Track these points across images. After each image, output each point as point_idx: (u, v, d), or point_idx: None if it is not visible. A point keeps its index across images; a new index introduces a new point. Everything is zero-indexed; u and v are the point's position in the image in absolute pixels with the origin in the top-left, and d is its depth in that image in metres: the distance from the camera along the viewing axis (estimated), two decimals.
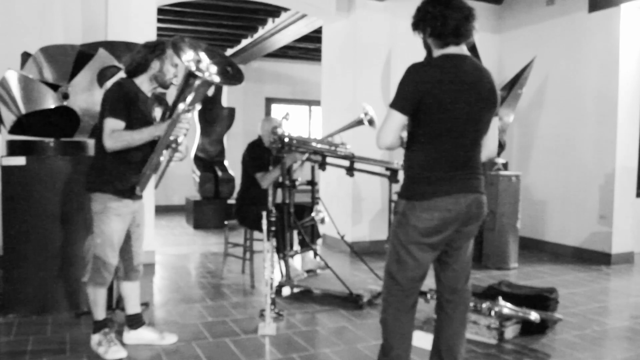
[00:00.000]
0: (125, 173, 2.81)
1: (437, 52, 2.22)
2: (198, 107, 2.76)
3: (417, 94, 2.10)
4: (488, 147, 2.31)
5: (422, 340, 2.96)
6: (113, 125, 2.70)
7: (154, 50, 2.84)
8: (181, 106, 2.70)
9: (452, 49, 2.18)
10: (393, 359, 2.27)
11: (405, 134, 2.27)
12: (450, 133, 2.14)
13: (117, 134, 2.70)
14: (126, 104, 2.75)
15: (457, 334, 2.34)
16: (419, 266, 2.22)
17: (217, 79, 2.74)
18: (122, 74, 2.94)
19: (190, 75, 2.68)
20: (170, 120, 2.72)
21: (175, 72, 2.92)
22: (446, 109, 2.11)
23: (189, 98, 2.69)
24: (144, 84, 2.88)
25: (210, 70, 2.68)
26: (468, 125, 2.16)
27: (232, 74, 2.83)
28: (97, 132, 2.87)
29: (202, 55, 2.73)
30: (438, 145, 2.16)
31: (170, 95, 3.07)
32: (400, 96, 2.13)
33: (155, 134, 2.75)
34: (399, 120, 2.14)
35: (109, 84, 3.81)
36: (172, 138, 2.74)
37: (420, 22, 2.20)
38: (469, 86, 2.13)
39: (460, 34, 2.15)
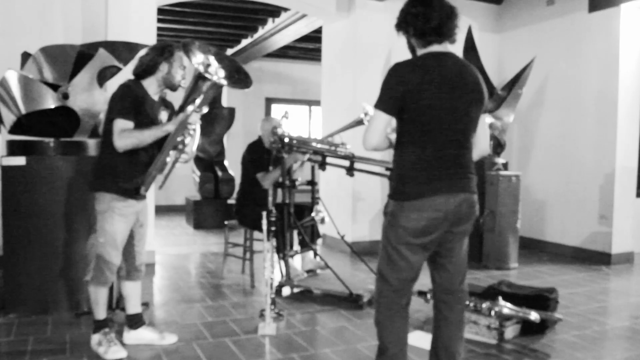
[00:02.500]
0: (130, 173, 2.81)
1: (420, 52, 2.23)
2: (205, 109, 2.77)
3: (400, 93, 2.11)
4: (479, 146, 2.30)
5: (422, 340, 2.96)
6: (122, 125, 2.71)
7: (163, 52, 2.85)
8: (190, 107, 2.71)
9: (435, 48, 2.19)
10: (389, 359, 2.26)
11: (393, 136, 2.27)
12: (437, 131, 2.14)
13: (127, 133, 2.70)
14: (134, 105, 2.76)
15: (454, 334, 2.33)
16: (410, 267, 2.21)
17: (225, 82, 2.75)
18: (128, 76, 2.94)
19: (199, 78, 2.70)
20: (179, 120, 2.73)
21: (183, 75, 2.93)
22: (430, 106, 2.11)
23: (198, 100, 2.70)
24: (151, 86, 2.89)
25: (218, 74, 2.70)
26: (455, 122, 2.15)
27: (239, 78, 2.85)
28: (102, 132, 2.87)
29: (211, 59, 2.75)
30: (426, 144, 2.15)
31: (174, 97, 3.08)
32: (383, 96, 2.15)
33: (165, 129, 2.75)
34: (384, 120, 2.15)
35: (109, 84, 3.82)
36: (179, 139, 2.75)
37: (403, 22, 2.22)
38: (452, 82, 2.13)
39: (442, 33, 2.17)
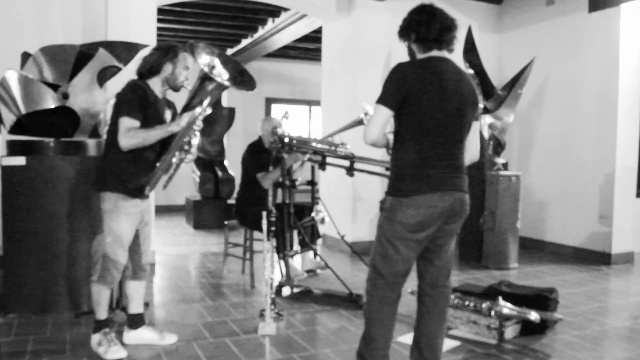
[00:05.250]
0: (135, 173, 2.82)
1: (420, 57, 2.35)
2: (209, 110, 2.78)
3: (401, 90, 2.22)
4: (470, 151, 2.41)
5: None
6: (128, 123, 2.71)
7: (167, 53, 2.87)
8: (198, 110, 2.72)
9: (434, 53, 2.33)
10: (373, 351, 2.34)
11: (391, 136, 2.37)
12: (434, 131, 2.24)
13: (132, 132, 2.71)
14: (141, 104, 2.77)
15: (436, 328, 2.42)
16: (404, 261, 2.30)
17: (230, 83, 2.77)
18: (128, 76, 2.95)
19: (205, 79, 2.71)
20: (188, 121, 2.73)
21: (187, 75, 2.95)
22: (429, 106, 2.21)
23: (206, 102, 2.72)
24: (155, 86, 2.90)
25: (222, 76, 2.72)
26: (451, 124, 2.26)
27: (243, 80, 2.87)
28: (107, 132, 2.88)
29: (216, 61, 2.77)
30: (423, 142, 2.25)
31: (174, 97, 3.09)
32: (386, 92, 2.25)
33: (170, 129, 2.76)
34: (385, 114, 2.25)
35: (109, 84, 3.82)
36: (185, 140, 2.76)
37: (406, 28, 2.38)
38: (449, 85, 2.25)
39: (442, 41, 2.31)
